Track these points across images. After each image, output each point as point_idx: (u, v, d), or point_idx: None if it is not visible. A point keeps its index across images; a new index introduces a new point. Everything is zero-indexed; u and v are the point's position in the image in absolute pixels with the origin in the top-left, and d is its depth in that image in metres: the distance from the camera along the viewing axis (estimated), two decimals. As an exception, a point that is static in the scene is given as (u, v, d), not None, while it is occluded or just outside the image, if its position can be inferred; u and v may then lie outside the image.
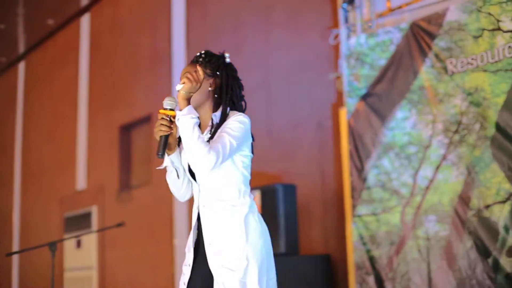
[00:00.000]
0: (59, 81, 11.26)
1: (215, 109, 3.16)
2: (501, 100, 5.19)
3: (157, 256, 8.57)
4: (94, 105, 10.28)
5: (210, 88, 3.14)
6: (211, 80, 3.15)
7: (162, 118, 3.01)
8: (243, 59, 7.66)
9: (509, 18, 5.19)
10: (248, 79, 7.64)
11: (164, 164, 3.17)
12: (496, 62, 5.24)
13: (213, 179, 3.09)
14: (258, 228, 3.10)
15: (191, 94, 3.01)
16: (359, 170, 6.05)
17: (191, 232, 3.12)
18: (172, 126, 3.01)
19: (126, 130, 9.62)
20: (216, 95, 3.15)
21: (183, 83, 3.02)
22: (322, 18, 6.74)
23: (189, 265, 3.05)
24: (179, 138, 3.11)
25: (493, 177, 5.17)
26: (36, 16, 10.83)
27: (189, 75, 3.00)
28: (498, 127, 5.15)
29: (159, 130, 3.01)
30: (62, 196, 10.70)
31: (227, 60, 3.24)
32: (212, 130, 3.09)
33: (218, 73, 3.16)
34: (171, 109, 3.03)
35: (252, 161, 3.25)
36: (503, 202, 5.08)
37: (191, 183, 3.22)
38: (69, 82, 10.83)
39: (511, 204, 5.02)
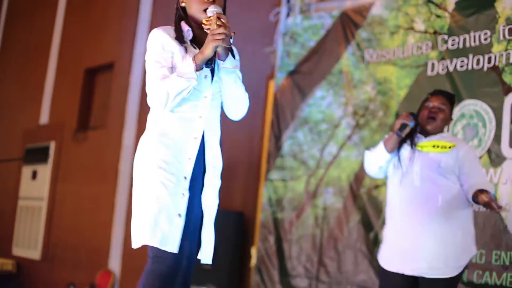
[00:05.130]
0: (37, 21, 11.64)
1: None
2: (403, 92, 5.74)
3: (101, 195, 9.14)
4: (65, 47, 10.75)
5: None
6: None
7: (221, 23, 2.79)
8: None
9: (421, 19, 5.71)
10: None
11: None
12: (405, 58, 5.77)
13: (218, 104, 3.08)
14: None
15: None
16: (277, 138, 6.60)
17: (191, 143, 2.96)
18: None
19: (91, 74, 10.13)
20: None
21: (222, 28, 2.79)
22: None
23: (185, 178, 2.92)
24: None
25: (386, 161, 5.73)
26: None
27: (226, 31, 2.79)
28: (397, 117, 5.67)
29: (219, 39, 2.78)
30: (25, 129, 11.21)
31: None
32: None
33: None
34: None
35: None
36: (390, 184, 5.64)
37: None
38: (46, 23, 11.24)
39: (396, 187, 5.59)
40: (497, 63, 5.09)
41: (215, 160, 3.06)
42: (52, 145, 10.37)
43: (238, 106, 3.08)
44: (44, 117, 10.83)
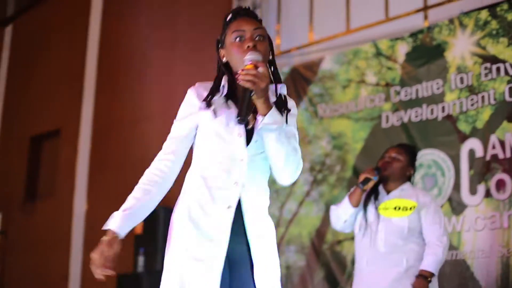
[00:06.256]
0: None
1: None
2: (359, 146, 5.74)
3: (54, 266, 8.86)
4: (9, 115, 10.56)
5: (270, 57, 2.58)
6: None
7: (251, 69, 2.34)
8: (146, 86, 8.09)
9: (372, 72, 5.75)
10: (149, 105, 8.11)
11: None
12: (358, 111, 5.78)
13: (260, 167, 2.51)
14: None
15: (267, 91, 2.38)
16: (234, 199, 6.50)
17: (223, 212, 2.43)
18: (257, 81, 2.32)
19: (37, 141, 9.92)
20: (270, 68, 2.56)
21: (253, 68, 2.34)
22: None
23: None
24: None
25: (347, 215, 5.69)
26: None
27: (256, 78, 2.31)
28: (355, 171, 5.68)
29: (246, 81, 2.31)
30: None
31: None
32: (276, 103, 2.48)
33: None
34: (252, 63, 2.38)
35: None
36: (353, 239, 5.57)
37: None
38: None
39: (359, 241, 5.54)
40: (451, 112, 5.14)
41: (260, 230, 2.49)
42: (-1, 216, 10.07)
43: (283, 168, 2.47)
44: (-11, 188, 10.54)
